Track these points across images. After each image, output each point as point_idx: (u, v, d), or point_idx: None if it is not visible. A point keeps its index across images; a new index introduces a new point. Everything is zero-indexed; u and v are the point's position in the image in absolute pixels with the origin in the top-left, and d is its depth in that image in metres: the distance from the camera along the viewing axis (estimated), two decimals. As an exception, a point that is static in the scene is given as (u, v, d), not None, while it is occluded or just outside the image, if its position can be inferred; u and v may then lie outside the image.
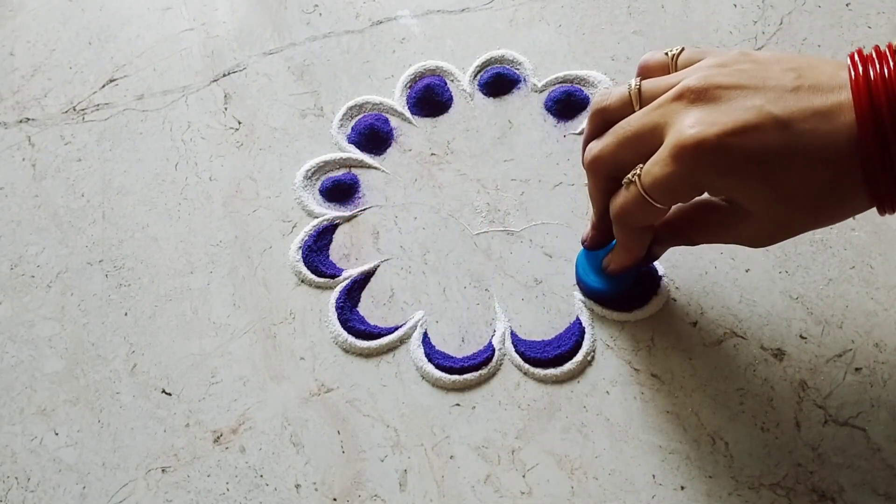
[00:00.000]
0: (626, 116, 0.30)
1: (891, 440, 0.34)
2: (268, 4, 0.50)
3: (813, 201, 0.27)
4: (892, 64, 0.25)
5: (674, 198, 0.29)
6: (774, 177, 0.27)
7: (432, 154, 0.44)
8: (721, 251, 0.39)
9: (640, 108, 0.30)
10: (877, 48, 0.27)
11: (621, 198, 0.31)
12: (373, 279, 0.41)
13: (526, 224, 0.41)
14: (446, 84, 0.46)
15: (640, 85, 0.31)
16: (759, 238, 0.30)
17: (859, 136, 0.25)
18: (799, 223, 0.29)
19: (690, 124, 0.27)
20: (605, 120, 0.32)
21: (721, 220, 0.30)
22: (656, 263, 0.39)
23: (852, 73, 0.26)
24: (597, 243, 0.36)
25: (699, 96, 0.27)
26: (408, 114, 0.45)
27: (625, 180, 0.30)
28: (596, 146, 0.31)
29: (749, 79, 0.27)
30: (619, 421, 0.36)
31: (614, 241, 0.35)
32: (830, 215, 0.28)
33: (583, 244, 0.37)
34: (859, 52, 0.27)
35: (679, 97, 0.28)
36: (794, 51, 0.44)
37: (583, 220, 0.41)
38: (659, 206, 0.29)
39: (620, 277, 0.37)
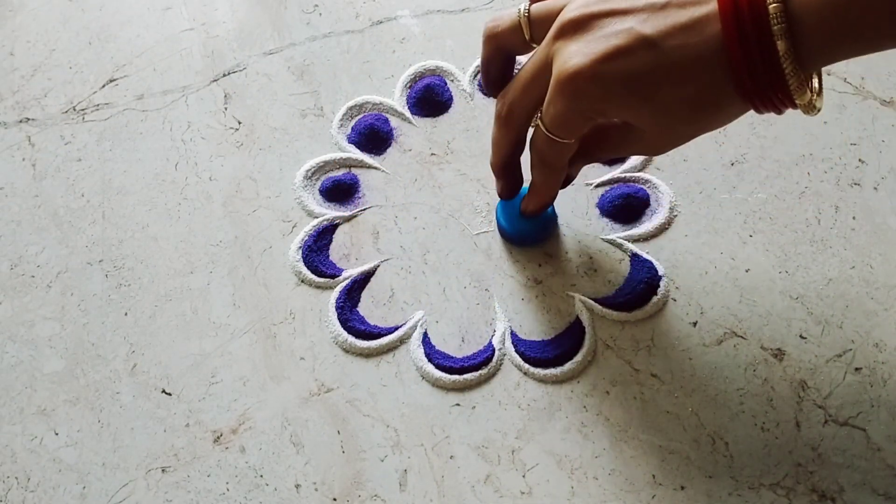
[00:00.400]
0: (517, 41, 0.33)
1: (891, 440, 0.34)
2: (268, 4, 0.50)
3: (690, 111, 0.29)
4: None
5: (572, 130, 0.31)
6: (650, 94, 0.28)
7: (432, 154, 0.44)
8: (721, 251, 0.39)
9: (530, 32, 0.32)
10: None
11: (535, 142, 0.33)
12: (373, 279, 0.41)
13: (526, 224, 0.41)
14: (446, 84, 0.46)
15: (528, 9, 0.32)
16: (654, 147, 0.32)
17: (724, 43, 0.26)
18: (683, 131, 0.30)
19: (567, 57, 0.29)
20: (497, 45, 0.34)
21: (619, 135, 0.33)
22: (656, 263, 0.39)
23: None
24: (509, 191, 0.38)
25: (577, 27, 0.29)
26: (408, 114, 0.45)
27: (533, 123, 0.32)
28: (506, 100, 0.33)
29: (621, 2, 0.29)
30: (619, 421, 0.36)
31: (526, 187, 0.37)
32: (710, 121, 0.30)
33: (500, 196, 0.39)
34: None
35: (560, 33, 0.30)
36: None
37: (583, 219, 0.41)
38: (564, 141, 0.31)
39: (540, 218, 0.39)
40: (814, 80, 0.29)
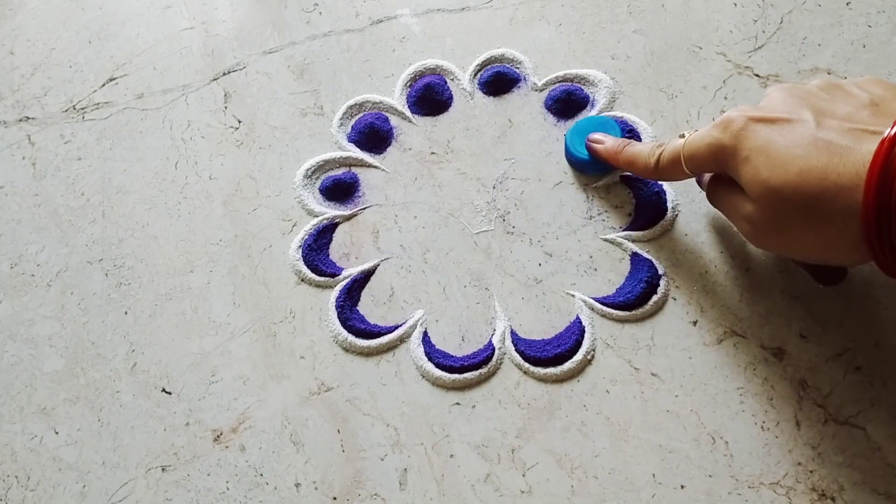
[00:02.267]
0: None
1: (891, 439, 0.34)
2: (268, 3, 0.50)
3: (804, 223, 0.29)
4: None
5: (698, 167, 0.33)
6: (779, 171, 0.28)
7: (432, 153, 0.44)
8: (721, 250, 0.39)
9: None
10: None
11: (663, 159, 0.35)
12: (373, 278, 0.41)
13: (526, 223, 0.41)
14: (446, 83, 0.46)
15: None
16: (754, 229, 0.32)
17: (862, 225, 0.27)
18: (789, 234, 0.30)
19: (735, 110, 0.31)
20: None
21: (731, 192, 0.33)
22: (656, 262, 0.39)
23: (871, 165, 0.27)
24: None
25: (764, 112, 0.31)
26: (408, 113, 0.45)
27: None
28: (687, 161, 0.35)
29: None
30: (619, 420, 0.36)
31: (602, 117, 0.41)
32: (821, 245, 0.30)
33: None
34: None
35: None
36: (795, 49, 0.44)
37: (583, 218, 0.41)
38: (686, 171, 0.34)
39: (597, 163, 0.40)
40: None
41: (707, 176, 0.36)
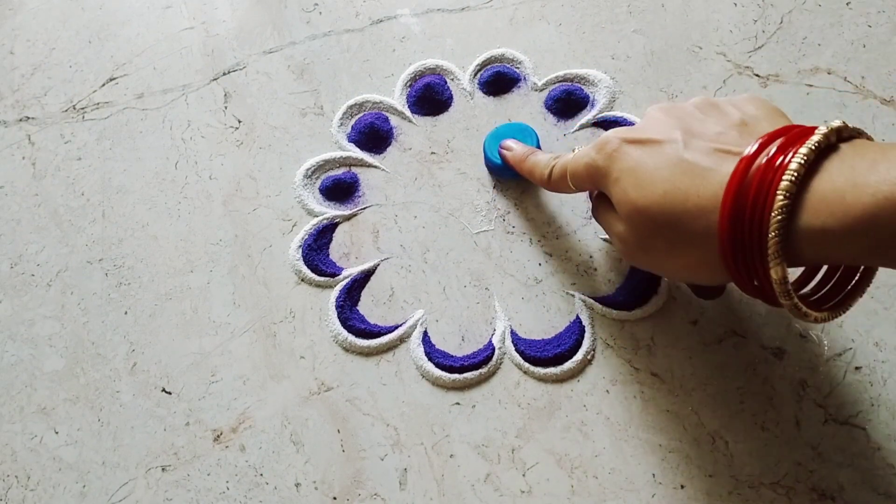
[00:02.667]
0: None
1: (891, 439, 0.34)
2: (268, 3, 0.50)
3: (669, 245, 0.29)
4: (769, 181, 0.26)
5: (580, 186, 0.34)
6: (643, 191, 0.29)
7: (432, 153, 0.44)
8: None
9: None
10: (795, 135, 0.27)
11: (553, 176, 0.36)
12: (373, 278, 0.41)
13: (526, 223, 0.41)
14: (446, 83, 0.46)
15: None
16: (623, 244, 0.32)
17: (719, 238, 0.27)
18: (654, 252, 0.30)
19: (610, 132, 0.32)
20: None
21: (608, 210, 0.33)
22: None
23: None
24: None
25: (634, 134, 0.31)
26: (408, 112, 0.45)
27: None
28: (569, 181, 0.35)
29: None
30: (619, 420, 0.36)
31: (516, 123, 0.42)
32: (686, 260, 0.30)
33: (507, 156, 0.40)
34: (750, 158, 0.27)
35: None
36: (795, 49, 0.44)
37: (582, 218, 0.41)
38: (572, 188, 0.35)
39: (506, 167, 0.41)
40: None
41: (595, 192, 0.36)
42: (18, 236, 0.44)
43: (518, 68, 0.45)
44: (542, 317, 0.39)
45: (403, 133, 0.44)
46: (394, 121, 0.45)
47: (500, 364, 0.38)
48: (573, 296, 0.39)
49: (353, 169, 0.44)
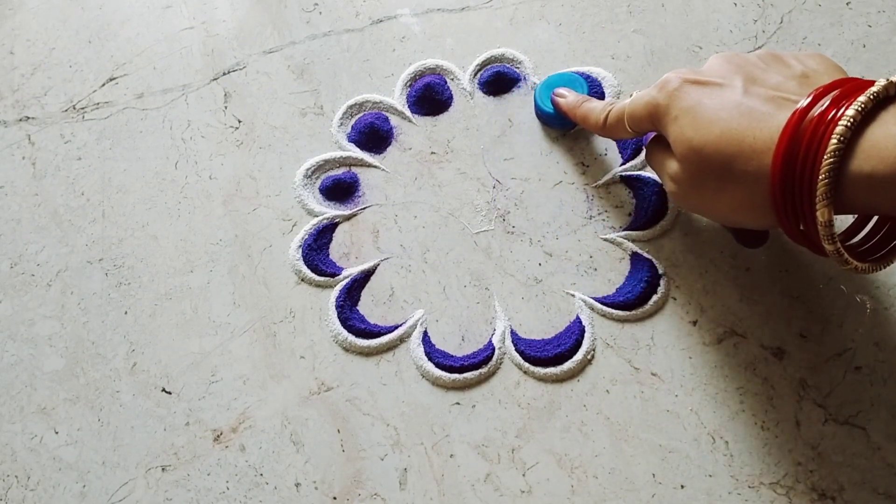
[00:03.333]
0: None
1: (891, 439, 0.34)
2: (268, 3, 0.50)
3: (720, 184, 0.30)
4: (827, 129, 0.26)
5: (638, 126, 0.34)
6: (701, 131, 0.30)
7: (432, 153, 0.44)
8: (721, 250, 0.39)
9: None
10: (851, 87, 0.27)
11: (610, 118, 0.36)
12: (373, 278, 0.41)
13: (526, 223, 0.41)
14: (446, 83, 0.46)
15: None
16: (677, 190, 0.32)
17: (770, 181, 0.28)
18: (708, 193, 0.31)
19: (670, 74, 0.33)
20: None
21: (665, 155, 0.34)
22: (656, 262, 0.39)
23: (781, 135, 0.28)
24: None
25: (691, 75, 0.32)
26: (408, 112, 0.45)
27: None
28: (626, 121, 0.36)
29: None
30: (619, 420, 0.36)
31: (570, 73, 0.43)
32: (734, 205, 0.30)
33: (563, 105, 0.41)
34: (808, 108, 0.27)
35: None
36: (795, 49, 0.44)
37: (582, 218, 0.41)
38: (629, 130, 0.35)
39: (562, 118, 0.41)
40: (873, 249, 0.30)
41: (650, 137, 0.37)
42: (18, 236, 0.44)
43: (518, 68, 0.45)
44: (542, 317, 0.39)
45: (403, 133, 0.44)
46: (394, 121, 0.45)
47: (500, 364, 0.38)
48: (573, 296, 0.39)
49: (353, 169, 0.44)
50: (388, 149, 0.44)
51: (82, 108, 0.47)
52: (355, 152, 0.44)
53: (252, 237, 0.42)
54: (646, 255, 0.39)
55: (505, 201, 0.42)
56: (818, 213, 0.26)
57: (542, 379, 0.37)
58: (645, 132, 0.35)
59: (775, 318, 0.37)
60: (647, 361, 0.37)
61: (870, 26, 0.44)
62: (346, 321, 0.39)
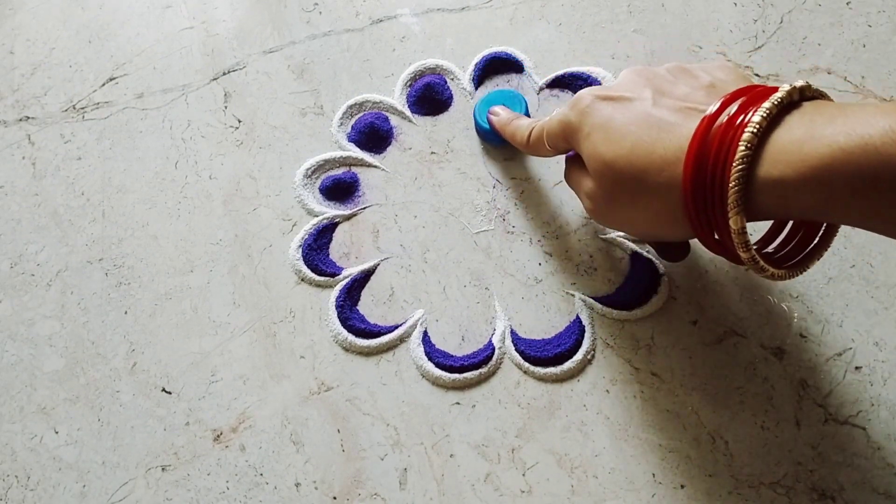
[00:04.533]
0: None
1: (891, 439, 0.34)
2: (268, 3, 0.50)
3: (632, 198, 0.30)
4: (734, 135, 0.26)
5: (556, 146, 0.34)
6: (613, 148, 0.30)
7: (432, 153, 0.44)
8: (721, 250, 0.39)
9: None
10: (757, 94, 0.27)
11: (533, 138, 0.36)
12: (373, 278, 0.41)
13: (526, 222, 0.41)
14: (446, 82, 0.46)
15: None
16: (593, 205, 0.33)
17: (682, 191, 0.28)
18: (621, 207, 0.31)
19: (582, 92, 0.33)
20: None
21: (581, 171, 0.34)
22: (656, 263, 0.39)
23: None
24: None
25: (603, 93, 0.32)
26: (408, 112, 0.45)
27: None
28: (544, 140, 0.36)
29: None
30: (619, 419, 0.36)
31: (505, 91, 0.43)
32: (647, 213, 0.30)
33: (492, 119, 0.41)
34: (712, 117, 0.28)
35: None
36: (795, 49, 0.44)
37: (582, 218, 0.41)
38: (548, 148, 0.35)
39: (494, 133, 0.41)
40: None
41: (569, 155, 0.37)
42: (18, 236, 0.44)
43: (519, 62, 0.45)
44: (542, 316, 0.39)
45: (403, 133, 0.44)
46: (394, 120, 0.45)
47: (500, 364, 0.38)
48: (573, 296, 0.39)
49: (353, 169, 0.44)
50: (388, 149, 0.44)
51: (82, 108, 0.47)
52: (355, 152, 0.44)
53: (252, 237, 0.42)
54: (646, 254, 0.39)
55: (505, 201, 0.42)
56: (731, 221, 0.26)
57: (542, 379, 0.37)
58: (563, 150, 0.35)
59: (775, 318, 0.37)
60: (647, 361, 0.37)
61: (870, 26, 0.44)
62: (346, 321, 0.39)
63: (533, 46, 0.46)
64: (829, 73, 0.43)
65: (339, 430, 0.37)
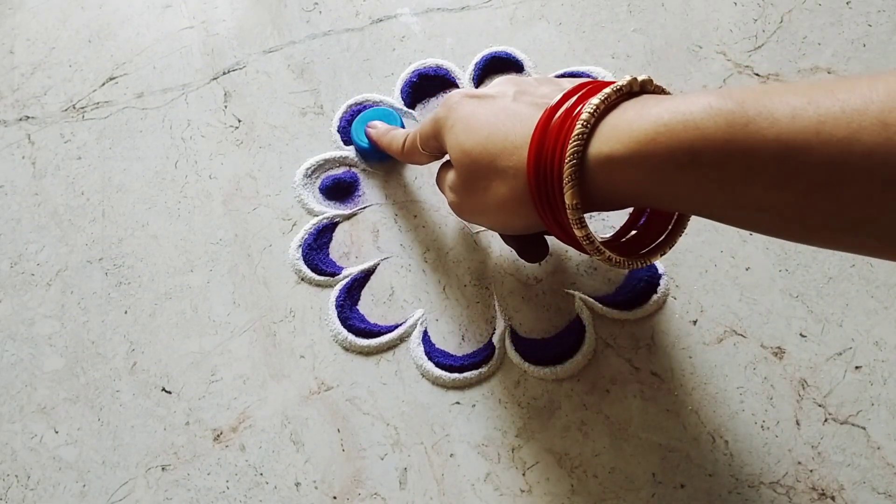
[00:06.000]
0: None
1: (891, 438, 0.34)
2: (268, 2, 0.50)
3: (485, 187, 0.31)
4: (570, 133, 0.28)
5: (426, 144, 0.36)
6: (470, 141, 0.31)
7: (432, 152, 0.44)
8: (721, 250, 0.39)
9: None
10: (597, 86, 0.29)
11: (407, 143, 0.38)
12: (373, 277, 0.41)
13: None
14: (448, 73, 0.45)
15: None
16: (455, 199, 0.34)
17: (527, 180, 0.29)
18: (475, 199, 0.32)
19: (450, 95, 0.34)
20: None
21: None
22: (656, 263, 0.39)
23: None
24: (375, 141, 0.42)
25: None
26: (408, 111, 0.45)
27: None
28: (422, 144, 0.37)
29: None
30: (619, 419, 0.36)
31: (381, 109, 0.43)
32: (501, 209, 0.32)
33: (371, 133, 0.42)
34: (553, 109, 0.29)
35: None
36: (795, 49, 0.44)
37: (583, 218, 0.41)
38: (422, 152, 0.36)
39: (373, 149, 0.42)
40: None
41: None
42: (18, 236, 0.44)
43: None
44: (542, 316, 0.39)
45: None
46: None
47: (501, 363, 0.38)
48: (573, 295, 0.39)
49: (353, 168, 0.44)
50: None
51: (82, 108, 0.47)
52: (355, 151, 0.44)
53: (252, 237, 0.42)
54: (646, 254, 0.39)
55: (505, 201, 0.42)
56: (566, 197, 0.27)
57: (543, 378, 0.37)
58: (434, 151, 0.36)
59: (775, 317, 0.37)
60: (647, 361, 0.37)
61: (870, 26, 0.44)
62: (346, 321, 0.39)
63: (533, 46, 0.46)
64: (829, 73, 0.43)
65: (339, 430, 0.37)
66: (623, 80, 0.28)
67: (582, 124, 0.27)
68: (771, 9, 0.45)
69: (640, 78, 0.28)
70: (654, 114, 0.26)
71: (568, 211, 0.28)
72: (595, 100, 0.27)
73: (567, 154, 0.27)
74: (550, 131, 0.28)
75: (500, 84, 0.33)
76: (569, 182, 0.27)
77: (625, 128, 0.26)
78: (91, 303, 0.41)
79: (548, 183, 0.28)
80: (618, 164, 0.26)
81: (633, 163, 0.26)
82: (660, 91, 0.29)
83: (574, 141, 0.27)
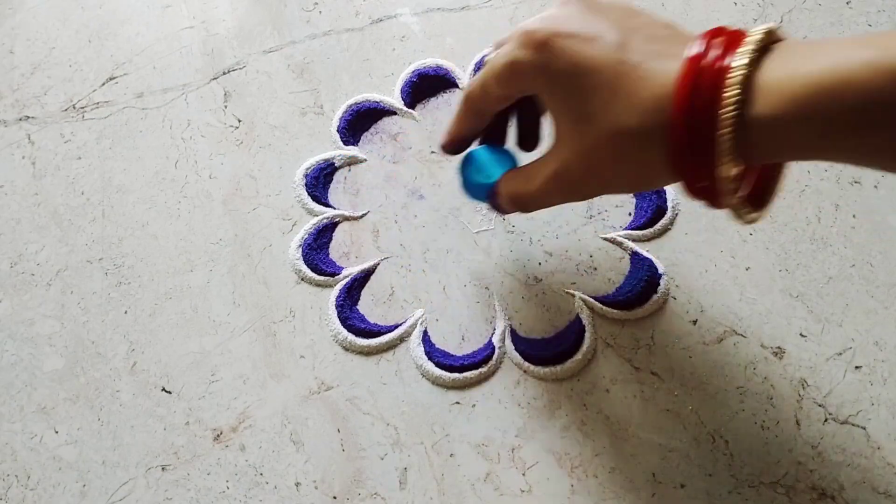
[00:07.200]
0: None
1: (891, 438, 0.34)
2: (268, 2, 0.50)
3: (614, 142, 0.27)
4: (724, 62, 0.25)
5: (504, 84, 0.30)
6: (583, 93, 0.27)
7: (432, 152, 0.44)
8: (721, 250, 0.39)
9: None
10: (733, 36, 0.26)
11: (471, 84, 0.32)
12: (373, 277, 0.41)
13: (526, 222, 0.41)
14: (448, 72, 0.45)
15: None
16: (567, 169, 0.30)
17: (671, 125, 0.26)
18: (599, 161, 0.29)
19: (536, 19, 0.29)
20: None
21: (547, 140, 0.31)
22: (656, 261, 0.39)
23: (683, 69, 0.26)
24: (453, 148, 0.36)
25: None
26: (408, 111, 0.45)
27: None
28: (484, 89, 0.32)
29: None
30: (619, 419, 0.36)
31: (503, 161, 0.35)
32: (633, 170, 0.28)
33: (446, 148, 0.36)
34: (714, 34, 0.26)
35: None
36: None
37: (582, 217, 0.41)
38: (494, 93, 0.31)
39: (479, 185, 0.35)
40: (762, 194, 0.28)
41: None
42: (18, 236, 0.44)
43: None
44: (542, 316, 0.39)
45: (403, 132, 0.44)
46: (394, 121, 0.45)
47: (500, 363, 0.38)
48: (573, 295, 0.39)
49: (350, 167, 0.44)
50: (389, 143, 0.44)
51: (82, 108, 0.47)
52: (355, 152, 0.44)
53: (252, 236, 0.42)
54: (646, 254, 0.39)
55: (505, 201, 0.42)
56: (724, 168, 0.25)
57: (542, 378, 0.37)
58: (507, 95, 0.31)
59: (775, 317, 0.37)
60: (647, 361, 0.37)
61: (870, 26, 0.44)
62: (346, 320, 0.39)
63: (533, 46, 0.46)
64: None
65: (338, 430, 0.37)
66: (758, 32, 0.25)
67: (736, 88, 0.24)
68: (771, 9, 0.45)
69: (770, 26, 0.25)
70: (810, 73, 0.23)
71: (723, 182, 0.25)
72: (743, 59, 0.24)
73: (723, 122, 0.24)
74: (696, 93, 0.25)
75: (580, 15, 0.28)
76: (727, 153, 0.25)
77: (775, 89, 0.24)
78: (91, 303, 0.41)
79: (698, 150, 0.25)
80: (781, 127, 0.24)
81: (790, 128, 0.24)
82: (782, 39, 0.26)
83: (730, 107, 0.24)
